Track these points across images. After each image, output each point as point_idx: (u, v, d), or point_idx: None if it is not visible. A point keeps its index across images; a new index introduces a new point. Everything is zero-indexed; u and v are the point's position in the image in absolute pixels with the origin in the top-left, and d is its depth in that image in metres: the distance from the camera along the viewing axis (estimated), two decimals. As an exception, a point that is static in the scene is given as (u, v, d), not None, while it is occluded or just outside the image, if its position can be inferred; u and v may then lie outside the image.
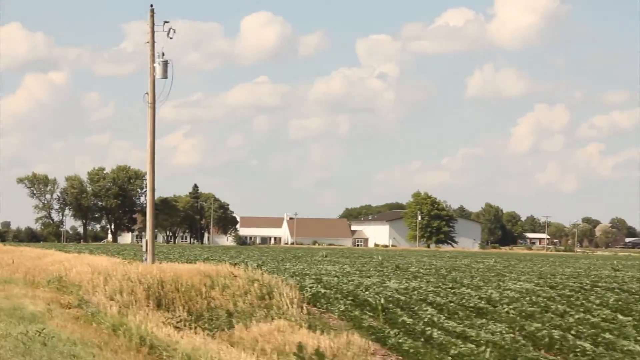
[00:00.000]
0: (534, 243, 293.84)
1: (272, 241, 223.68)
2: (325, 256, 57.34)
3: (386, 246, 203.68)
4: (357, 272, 42.12)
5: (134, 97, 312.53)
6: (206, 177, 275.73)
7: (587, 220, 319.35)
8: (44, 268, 35.48)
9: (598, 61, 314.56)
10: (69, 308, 24.67)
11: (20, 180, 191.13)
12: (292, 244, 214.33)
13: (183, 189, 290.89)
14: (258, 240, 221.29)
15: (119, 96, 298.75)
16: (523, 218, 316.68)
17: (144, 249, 33.15)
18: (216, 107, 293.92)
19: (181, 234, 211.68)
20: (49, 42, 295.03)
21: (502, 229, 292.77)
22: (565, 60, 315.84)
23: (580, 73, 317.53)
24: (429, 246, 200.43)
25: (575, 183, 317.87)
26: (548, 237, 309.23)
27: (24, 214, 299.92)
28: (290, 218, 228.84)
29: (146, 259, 32.31)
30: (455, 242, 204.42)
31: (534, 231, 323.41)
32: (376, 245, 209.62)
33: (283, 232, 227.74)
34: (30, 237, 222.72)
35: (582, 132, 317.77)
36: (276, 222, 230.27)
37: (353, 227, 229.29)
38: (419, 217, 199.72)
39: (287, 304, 18.61)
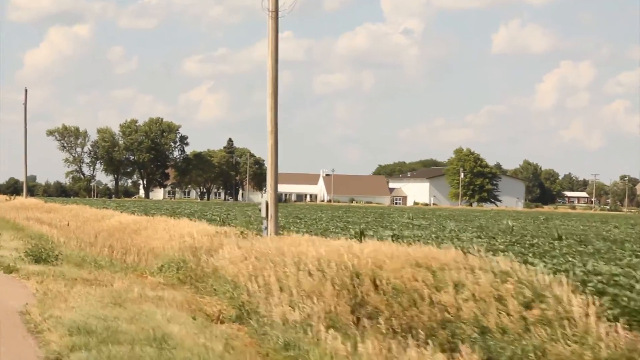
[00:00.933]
0: (572, 202, 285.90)
1: (308, 198, 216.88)
2: (412, 218, 50.03)
3: (426, 204, 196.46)
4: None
5: (158, 51, 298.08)
6: (230, 133, 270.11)
7: (624, 178, 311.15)
8: (128, 239, 27.12)
9: (625, 17, 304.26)
10: (221, 322, 14.84)
11: (50, 133, 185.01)
12: (329, 201, 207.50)
13: (208, 144, 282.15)
14: (293, 198, 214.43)
15: (143, 50, 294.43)
16: (561, 176, 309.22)
17: (263, 214, 24.00)
18: (240, 62, 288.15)
19: (214, 190, 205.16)
20: None
21: (541, 187, 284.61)
22: (592, 16, 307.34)
23: (607, 29, 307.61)
24: (471, 204, 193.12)
25: (601, 140, 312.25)
26: (587, 195, 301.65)
27: (49, 168, 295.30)
28: (327, 175, 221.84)
29: (267, 229, 23.64)
30: (499, 200, 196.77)
31: (571, 189, 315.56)
32: (415, 203, 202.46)
33: (319, 189, 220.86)
34: (59, 191, 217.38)
35: (608, 89, 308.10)
36: (312, 179, 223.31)
37: (390, 185, 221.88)
38: (462, 175, 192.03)
39: (582, 321, 9.75)
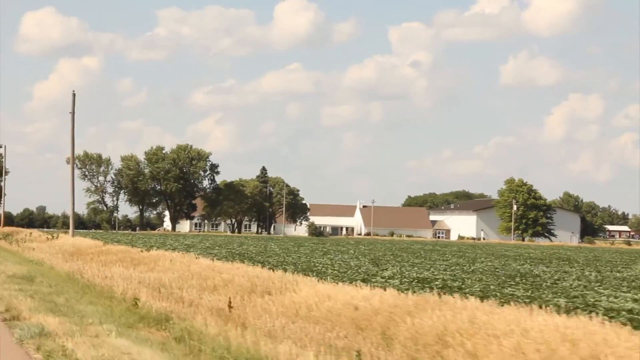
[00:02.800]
0: (613, 236, 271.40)
1: (344, 231, 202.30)
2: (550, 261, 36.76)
3: (473, 239, 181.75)
4: None
5: (166, 83, 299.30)
6: (237, 165, 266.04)
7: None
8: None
9: (632, 50, 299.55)
10: None
11: (69, 160, 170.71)
12: (367, 234, 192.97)
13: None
14: (328, 230, 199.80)
15: (151, 81, 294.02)
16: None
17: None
18: (248, 93, 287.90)
19: (246, 223, 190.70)
20: (83, 27, 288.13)
21: (582, 221, 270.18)
22: (601, 49, 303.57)
23: (615, 62, 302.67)
24: (523, 239, 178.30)
25: (609, 173, 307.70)
26: (628, 229, 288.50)
27: (60, 199, 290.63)
28: (364, 206, 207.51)
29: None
30: (554, 235, 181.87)
31: (611, 223, 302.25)
32: (461, 237, 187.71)
33: (356, 222, 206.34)
34: (77, 223, 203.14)
35: (616, 122, 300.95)
36: (347, 211, 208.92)
37: (431, 217, 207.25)
38: (514, 207, 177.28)
39: None
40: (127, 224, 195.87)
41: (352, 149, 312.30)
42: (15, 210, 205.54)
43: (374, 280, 27.04)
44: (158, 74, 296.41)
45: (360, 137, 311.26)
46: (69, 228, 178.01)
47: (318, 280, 20.06)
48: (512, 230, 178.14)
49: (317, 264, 35.84)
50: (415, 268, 33.05)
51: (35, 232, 70.84)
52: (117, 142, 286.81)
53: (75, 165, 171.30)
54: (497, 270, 37.85)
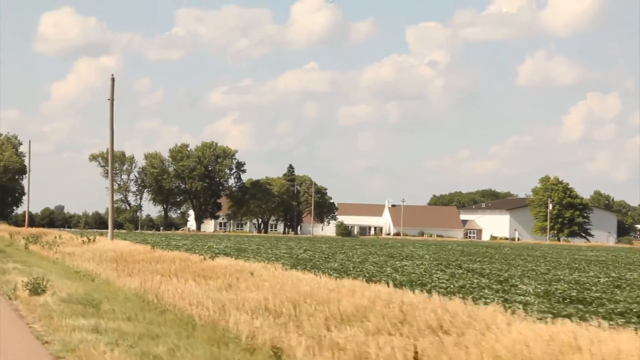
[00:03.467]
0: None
1: (372, 231, 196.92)
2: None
3: (507, 239, 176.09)
4: None
5: (184, 82, 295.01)
6: (254, 164, 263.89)
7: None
8: None
9: None
10: None
11: (93, 158, 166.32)
12: (397, 234, 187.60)
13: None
14: (356, 230, 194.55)
15: (169, 81, 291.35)
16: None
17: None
18: (265, 93, 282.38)
19: (272, 223, 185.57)
20: (101, 27, 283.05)
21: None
22: (619, 48, 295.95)
23: (634, 61, 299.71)
24: (559, 239, 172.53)
25: (627, 173, 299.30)
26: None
27: (78, 198, 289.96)
28: (392, 205, 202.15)
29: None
30: (591, 235, 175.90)
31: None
32: (493, 237, 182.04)
33: (384, 221, 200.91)
34: (98, 223, 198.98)
35: (634, 121, 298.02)
36: (375, 210, 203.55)
37: (462, 217, 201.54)
38: (550, 206, 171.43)
39: None
40: (150, 224, 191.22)
41: (369, 148, 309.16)
42: (34, 209, 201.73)
43: (516, 299, 21.59)
44: (175, 74, 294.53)
45: (376, 137, 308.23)
46: (91, 228, 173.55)
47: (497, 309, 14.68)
48: (548, 230, 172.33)
49: (420, 276, 30.14)
50: (557, 284, 27.37)
51: (65, 233, 65.89)
52: (134, 141, 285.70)
53: (98, 163, 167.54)
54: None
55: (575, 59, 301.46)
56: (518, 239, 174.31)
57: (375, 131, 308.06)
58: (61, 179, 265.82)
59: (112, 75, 51.76)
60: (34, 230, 78.10)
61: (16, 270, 25.24)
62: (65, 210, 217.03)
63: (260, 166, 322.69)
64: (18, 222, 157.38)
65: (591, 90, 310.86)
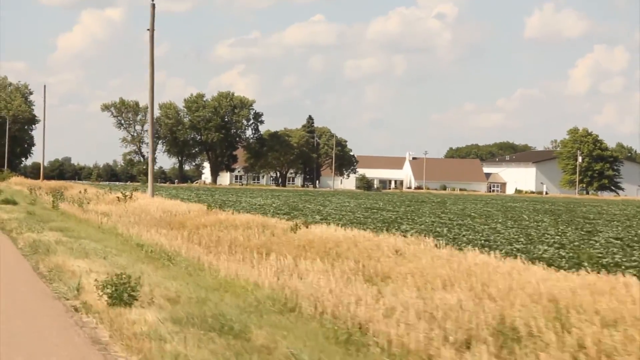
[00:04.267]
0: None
1: (392, 185, 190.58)
2: None
3: (533, 192, 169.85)
4: None
5: (190, 35, 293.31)
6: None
7: None
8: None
9: None
10: None
11: (105, 107, 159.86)
12: (418, 188, 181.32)
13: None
14: (376, 184, 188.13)
15: (175, 34, 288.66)
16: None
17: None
18: (272, 46, 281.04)
19: (289, 176, 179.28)
20: None
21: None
22: (627, 1, 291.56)
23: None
24: (587, 193, 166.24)
25: (634, 126, 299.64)
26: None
27: (83, 150, 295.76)
28: (414, 158, 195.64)
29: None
30: (622, 188, 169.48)
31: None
32: (518, 191, 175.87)
33: (405, 174, 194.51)
34: (109, 175, 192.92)
35: None
36: (395, 163, 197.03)
37: (485, 170, 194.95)
38: (579, 159, 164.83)
39: None
40: (162, 176, 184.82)
41: (375, 102, 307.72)
42: (39, 161, 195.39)
43: None
44: (182, 26, 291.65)
45: (383, 91, 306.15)
46: (103, 180, 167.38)
47: None
48: (577, 183, 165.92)
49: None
50: None
51: (89, 187, 59.47)
52: (140, 94, 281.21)
53: (110, 113, 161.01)
54: None
55: (583, 11, 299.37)
56: (546, 193, 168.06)
57: (382, 84, 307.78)
58: (67, 131, 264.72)
59: (153, 2, 44.84)
60: (52, 183, 71.63)
61: (61, 245, 18.86)
62: (74, 162, 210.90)
63: (267, 119, 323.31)
64: (27, 173, 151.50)
65: (598, 43, 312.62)
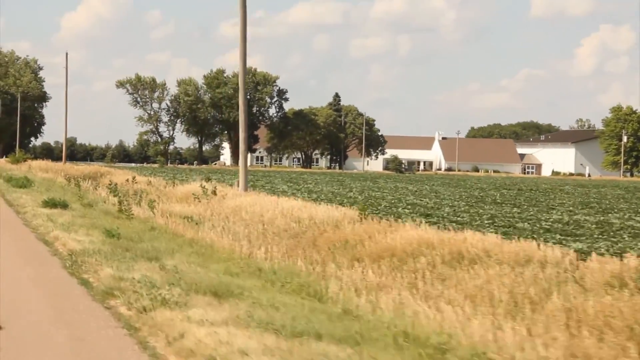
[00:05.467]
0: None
1: (422, 166, 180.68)
2: None
3: (572, 174, 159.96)
4: None
5: (194, 14, 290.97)
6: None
7: None
8: None
9: None
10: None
11: (120, 84, 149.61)
12: (448, 170, 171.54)
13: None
14: (405, 165, 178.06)
15: (179, 13, 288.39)
16: None
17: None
18: (277, 25, 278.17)
19: (315, 157, 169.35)
20: None
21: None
22: None
23: None
24: (632, 175, 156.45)
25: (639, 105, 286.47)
26: None
27: (88, 130, 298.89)
28: (443, 138, 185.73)
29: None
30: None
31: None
32: (555, 173, 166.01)
33: (434, 155, 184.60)
34: (122, 156, 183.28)
35: None
36: (423, 143, 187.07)
37: (519, 150, 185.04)
38: (624, 139, 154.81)
39: None
40: (177, 157, 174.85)
41: (380, 81, 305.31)
42: (50, 141, 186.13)
43: None
44: (186, 5, 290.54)
45: (388, 70, 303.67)
46: (118, 162, 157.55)
47: None
48: (622, 164, 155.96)
49: None
50: None
51: (127, 172, 49.34)
52: (144, 74, 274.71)
53: (126, 90, 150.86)
54: None
55: None
56: (589, 175, 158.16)
57: (387, 64, 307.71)
58: (71, 111, 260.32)
59: None
60: (82, 168, 61.11)
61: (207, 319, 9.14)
62: (85, 142, 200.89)
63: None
64: (37, 154, 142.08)
65: (604, 22, 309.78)
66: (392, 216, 25.24)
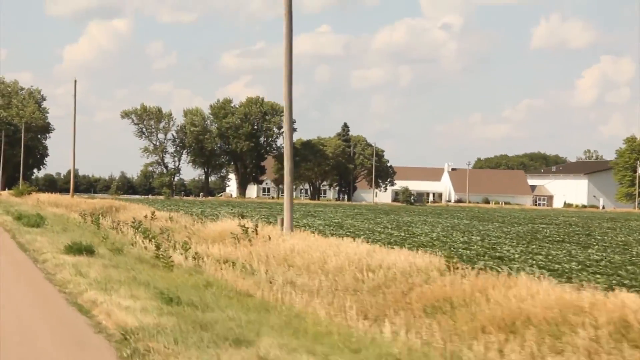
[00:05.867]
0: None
1: (431, 197, 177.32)
2: None
3: (585, 206, 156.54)
4: None
5: (196, 46, 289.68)
6: None
7: None
8: None
9: None
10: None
11: (125, 115, 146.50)
12: (459, 201, 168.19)
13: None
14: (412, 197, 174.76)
15: (181, 44, 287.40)
16: None
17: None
18: (278, 56, 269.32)
19: (323, 188, 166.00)
20: None
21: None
22: (633, 11, 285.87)
23: None
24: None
25: None
26: None
27: (90, 161, 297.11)
28: (453, 169, 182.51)
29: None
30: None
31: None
32: (567, 205, 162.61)
33: (443, 187, 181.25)
34: (126, 188, 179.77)
35: None
36: (432, 174, 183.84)
37: (530, 182, 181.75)
38: (639, 169, 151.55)
39: None
40: (182, 189, 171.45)
41: (381, 112, 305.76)
42: (52, 172, 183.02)
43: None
44: (188, 37, 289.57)
45: (389, 101, 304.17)
46: (124, 193, 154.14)
47: None
48: (637, 196, 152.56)
49: None
50: None
51: (145, 207, 45.90)
52: (148, 104, 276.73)
53: (131, 120, 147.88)
54: None
55: (590, 22, 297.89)
56: (603, 207, 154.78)
57: (388, 95, 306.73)
58: (71, 142, 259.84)
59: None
60: (94, 202, 56.79)
61: None
62: (89, 174, 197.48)
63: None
64: (40, 186, 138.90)
65: (605, 53, 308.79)
66: (468, 262, 21.90)
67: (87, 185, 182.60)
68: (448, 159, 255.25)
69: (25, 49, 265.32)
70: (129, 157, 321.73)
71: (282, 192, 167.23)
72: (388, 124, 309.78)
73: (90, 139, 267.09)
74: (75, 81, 73.00)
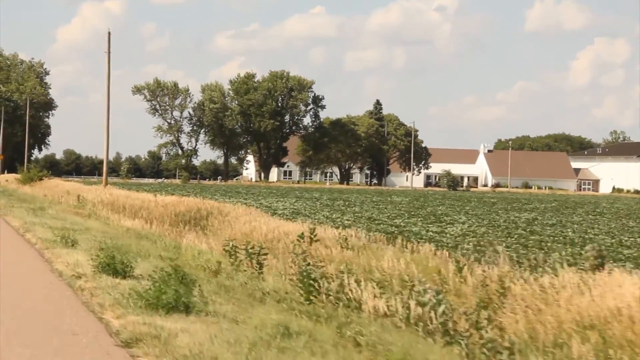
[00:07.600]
0: None
1: (466, 181, 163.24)
2: None
3: (638, 192, 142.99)
4: None
5: (189, 27, 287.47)
6: None
7: None
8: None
9: None
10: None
11: (137, 90, 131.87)
12: (496, 186, 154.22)
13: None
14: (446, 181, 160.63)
15: (174, 26, 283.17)
16: None
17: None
18: (272, 38, 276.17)
19: (354, 172, 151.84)
20: None
21: None
22: None
23: None
24: None
25: (634, 118, 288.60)
26: None
27: (86, 142, 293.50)
28: (489, 151, 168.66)
29: None
30: None
31: None
32: (618, 190, 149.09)
33: (480, 170, 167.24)
34: (133, 170, 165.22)
35: None
36: (466, 156, 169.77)
37: (573, 165, 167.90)
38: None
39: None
40: (193, 172, 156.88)
41: (375, 94, 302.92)
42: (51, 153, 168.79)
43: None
44: (181, 18, 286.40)
45: (383, 83, 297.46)
46: (134, 176, 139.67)
47: None
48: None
49: None
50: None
51: (234, 205, 31.79)
52: (160, 80, 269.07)
53: (143, 96, 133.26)
54: None
55: (584, 3, 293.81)
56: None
57: (382, 77, 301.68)
58: (66, 124, 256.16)
59: None
60: (172, 200, 37.08)
61: None
62: (92, 155, 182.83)
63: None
64: (41, 169, 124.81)
65: (599, 35, 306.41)
66: None
67: (91, 167, 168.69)
68: (439, 143, 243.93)
69: (19, 29, 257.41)
70: (122, 138, 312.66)
71: (308, 176, 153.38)
72: (383, 106, 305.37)
73: (85, 119, 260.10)
74: (109, 32, 58.47)
